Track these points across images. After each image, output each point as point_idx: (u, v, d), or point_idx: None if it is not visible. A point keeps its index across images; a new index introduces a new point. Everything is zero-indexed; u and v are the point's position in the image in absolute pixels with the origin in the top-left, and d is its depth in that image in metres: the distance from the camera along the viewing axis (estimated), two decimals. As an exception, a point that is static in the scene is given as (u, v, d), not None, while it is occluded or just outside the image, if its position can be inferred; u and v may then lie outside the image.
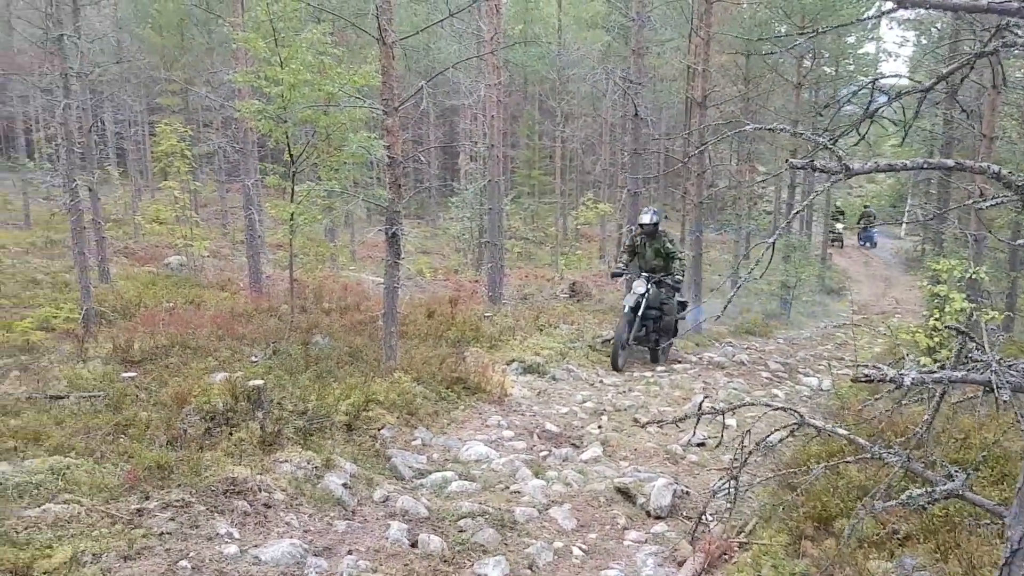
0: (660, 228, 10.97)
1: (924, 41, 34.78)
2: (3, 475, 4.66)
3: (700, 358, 11.97)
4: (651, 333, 11.16)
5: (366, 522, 4.92)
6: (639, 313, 10.64)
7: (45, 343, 9.26)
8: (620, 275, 11.29)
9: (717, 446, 7.00)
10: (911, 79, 2.60)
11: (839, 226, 28.97)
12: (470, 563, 4.44)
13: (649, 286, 10.74)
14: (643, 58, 13.06)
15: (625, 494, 5.82)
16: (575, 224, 23.96)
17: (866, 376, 2.11)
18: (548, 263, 22.40)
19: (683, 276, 11.03)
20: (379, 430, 6.69)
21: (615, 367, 10.41)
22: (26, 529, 3.99)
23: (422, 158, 15.25)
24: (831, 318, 20.05)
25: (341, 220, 20.09)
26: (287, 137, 9.57)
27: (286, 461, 5.39)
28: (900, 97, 2.64)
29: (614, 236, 25.04)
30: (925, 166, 2.22)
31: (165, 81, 27.31)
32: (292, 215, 9.53)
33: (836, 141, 2.58)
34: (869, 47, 40.30)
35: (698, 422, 3.14)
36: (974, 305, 7.66)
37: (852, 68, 40.42)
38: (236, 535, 4.30)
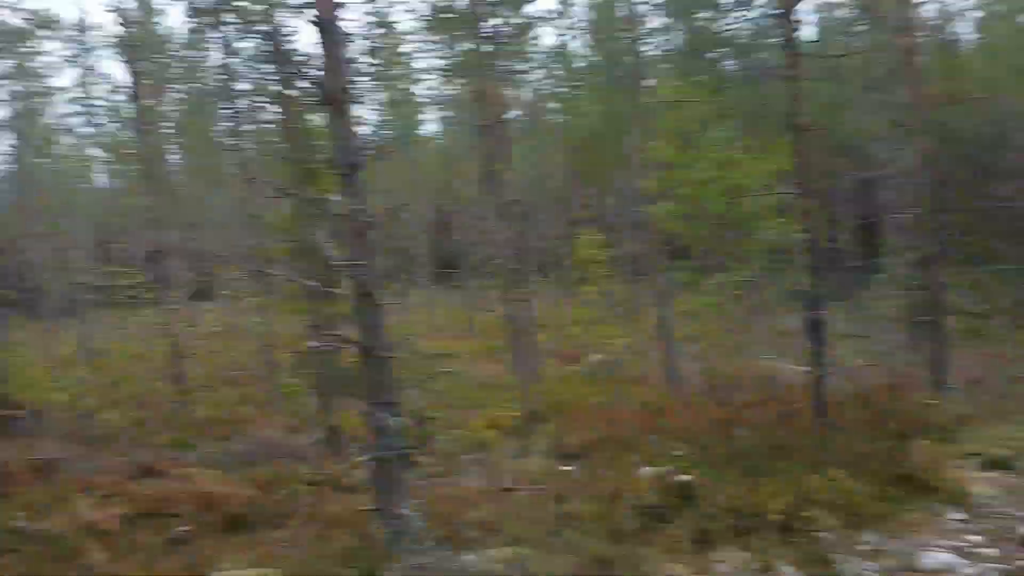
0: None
1: None
2: (470, 564, 5.20)
3: None
4: None
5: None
6: None
7: (494, 439, 10.29)
8: None
9: None
10: None
11: None
12: None
13: None
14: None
15: None
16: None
17: None
18: (1004, 339, 19.38)
19: None
20: (817, 532, 6.21)
21: None
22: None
23: (844, 237, 14.41)
24: None
25: (753, 308, 19.71)
26: (696, 233, 9.74)
27: (722, 561, 5.25)
28: None
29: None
30: None
31: (579, 196, 29.92)
32: (703, 307, 9.57)
33: None
34: None
35: None
36: None
37: None
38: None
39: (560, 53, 28.55)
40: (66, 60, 21.85)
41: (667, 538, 5.58)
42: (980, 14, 27.38)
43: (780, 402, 10.57)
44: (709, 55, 22.58)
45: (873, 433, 9.08)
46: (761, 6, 19.05)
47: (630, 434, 9.10)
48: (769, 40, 23.67)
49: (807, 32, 29.55)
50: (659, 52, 25.18)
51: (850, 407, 10.27)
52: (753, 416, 9.76)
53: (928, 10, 26.18)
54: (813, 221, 8.05)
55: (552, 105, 30.13)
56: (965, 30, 32.45)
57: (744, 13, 24.07)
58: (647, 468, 7.42)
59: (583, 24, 27.41)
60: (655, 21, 22.55)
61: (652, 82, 16.89)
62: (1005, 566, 5.61)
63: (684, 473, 6.67)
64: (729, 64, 23.25)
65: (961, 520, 6.69)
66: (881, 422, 9.56)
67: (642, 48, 18.87)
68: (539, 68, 27.21)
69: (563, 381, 14.77)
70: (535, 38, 23.94)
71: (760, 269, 10.00)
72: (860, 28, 20.76)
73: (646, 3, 19.79)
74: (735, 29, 25.45)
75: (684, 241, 10.24)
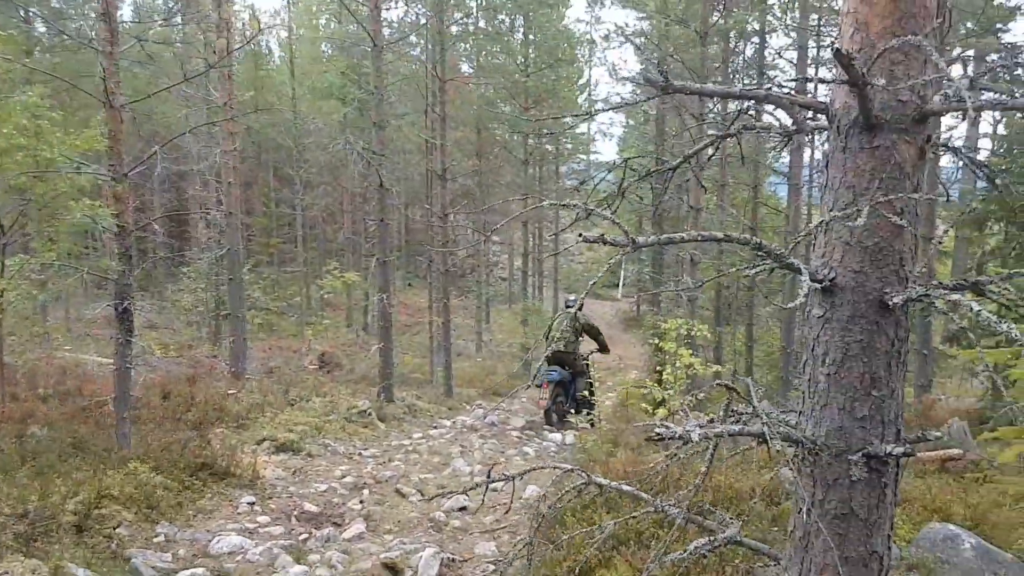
0: None
1: (632, 122, 38.98)
2: None
3: (454, 422, 12.13)
4: None
5: (109, 635, 4.37)
6: None
7: None
8: None
9: (478, 510, 7.12)
10: (658, 158, 2.90)
11: None
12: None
13: None
14: (384, 130, 13.26)
15: (392, 569, 5.70)
16: (321, 293, 23.51)
17: (658, 435, 2.27)
18: (293, 334, 21.66)
19: None
20: (115, 528, 6.03)
21: None
22: None
23: (156, 226, 14.16)
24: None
25: (57, 295, 18.10)
26: (-7, 207, 8.57)
27: (6, 573, 4.69)
28: (650, 174, 2.93)
29: (361, 304, 24.86)
30: (700, 238, 2.48)
31: None
32: (2, 292, 8.47)
33: (589, 215, 2.76)
34: (583, 127, 44.42)
35: (487, 490, 3.18)
36: (699, 359, 8.53)
37: (570, 146, 44.27)
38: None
39: None
40: None
41: (-64, 560, 4.75)
42: (286, 33, 29.96)
43: (83, 395, 9.98)
44: (20, 10, 20.04)
45: (175, 424, 9.25)
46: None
47: None
48: (86, 11, 22.20)
49: (126, 11, 28.48)
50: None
51: (155, 398, 10.27)
52: (52, 411, 9.00)
53: (242, 16, 27.76)
54: (124, 206, 7.79)
55: None
56: (275, 46, 35.31)
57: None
58: (-89, 481, 6.21)
59: None
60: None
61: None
62: (289, 541, 6.28)
63: (-39, 482, 5.79)
64: (41, 26, 21.00)
65: (251, 503, 7.25)
66: (184, 412, 9.80)
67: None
68: None
69: None
70: None
71: (67, 252, 9.24)
72: (178, 20, 20.90)
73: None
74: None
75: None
